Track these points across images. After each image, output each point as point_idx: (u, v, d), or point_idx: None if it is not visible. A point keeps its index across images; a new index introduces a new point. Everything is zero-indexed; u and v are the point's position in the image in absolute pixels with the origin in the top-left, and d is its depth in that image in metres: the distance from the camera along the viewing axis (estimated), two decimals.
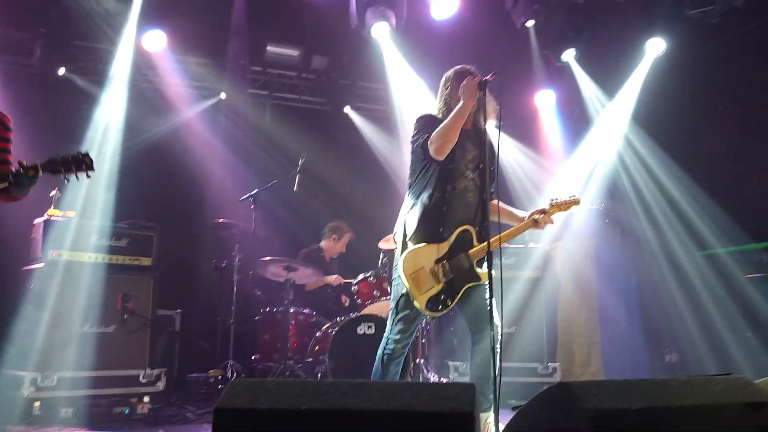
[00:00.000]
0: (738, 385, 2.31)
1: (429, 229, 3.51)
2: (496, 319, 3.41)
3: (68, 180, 3.23)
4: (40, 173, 3.14)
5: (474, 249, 3.55)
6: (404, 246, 3.55)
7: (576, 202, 3.72)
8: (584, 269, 6.66)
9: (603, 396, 2.09)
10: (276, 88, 7.80)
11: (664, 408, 2.11)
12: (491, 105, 3.60)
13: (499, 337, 3.44)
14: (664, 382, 2.25)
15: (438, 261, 3.50)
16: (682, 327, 6.54)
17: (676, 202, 6.85)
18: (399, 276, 3.48)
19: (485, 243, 3.44)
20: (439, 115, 3.66)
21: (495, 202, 3.69)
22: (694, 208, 6.62)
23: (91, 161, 3.27)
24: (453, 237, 3.53)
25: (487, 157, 3.61)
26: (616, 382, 2.20)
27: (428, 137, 3.52)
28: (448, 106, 3.63)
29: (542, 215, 3.64)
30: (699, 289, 6.36)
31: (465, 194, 3.59)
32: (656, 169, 7.09)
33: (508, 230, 3.65)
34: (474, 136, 3.70)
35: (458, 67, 3.75)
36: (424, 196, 3.54)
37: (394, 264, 3.64)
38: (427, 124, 3.60)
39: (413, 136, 3.67)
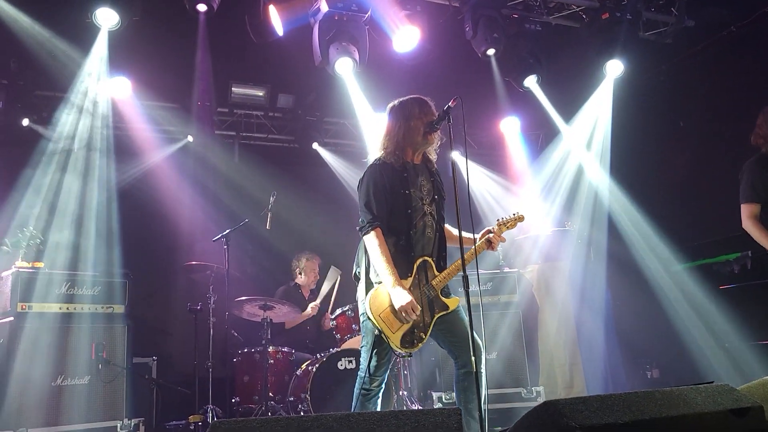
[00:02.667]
0: (721, 392, 2.33)
1: (396, 267, 3.48)
2: (478, 340, 3.42)
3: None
4: None
5: (436, 279, 3.57)
6: (368, 284, 3.53)
7: (521, 219, 3.83)
8: (560, 290, 6.71)
9: (588, 412, 2.10)
10: (243, 128, 7.81)
11: (649, 420, 2.12)
12: (435, 143, 3.68)
13: (483, 360, 3.44)
14: (648, 395, 2.26)
15: None
16: (661, 343, 6.60)
17: (644, 219, 6.97)
18: (368, 317, 3.45)
19: (446, 272, 3.57)
20: (382, 153, 3.65)
21: (447, 228, 3.76)
22: (662, 223, 6.73)
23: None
24: (414, 271, 3.53)
25: (438, 188, 3.70)
26: (601, 397, 2.21)
27: (368, 227, 3.49)
28: (397, 141, 3.62)
29: (492, 235, 3.69)
30: (675, 303, 6.43)
31: (425, 231, 3.61)
32: (622, 186, 7.23)
33: (466, 254, 3.60)
34: (425, 169, 3.74)
35: (415, 97, 3.73)
36: (389, 241, 3.52)
37: (358, 301, 3.61)
38: (369, 193, 3.55)
39: (360, 192, 3.63)
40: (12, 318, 4.77)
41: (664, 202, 6.88)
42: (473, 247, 3.66)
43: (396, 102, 3.75)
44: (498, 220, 3.80)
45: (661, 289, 6.67)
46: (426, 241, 3.60)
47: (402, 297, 3.37)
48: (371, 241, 3.47)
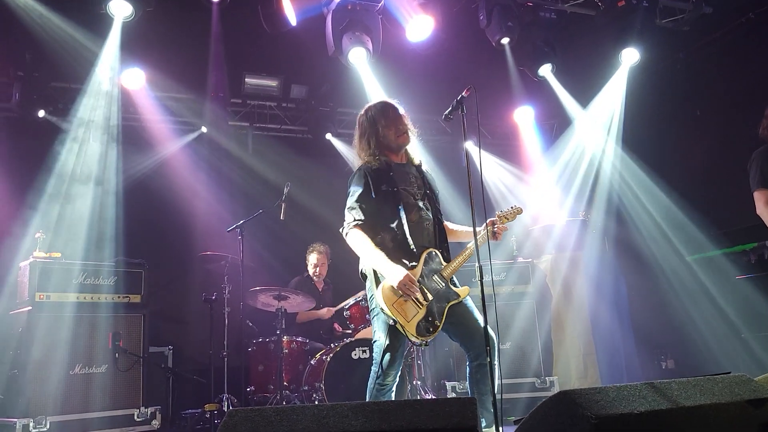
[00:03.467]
0: (738, 383, 2.32)
1: (397, 260, 3.50)
2: (491, 332, 3.41)
3: None
4: None
5: (446, 269, 3.58)
6: (376, 278, 3.53)
7: (519, 212, 3.88)
8: (573, 280, 6.68)
9: (604, 402, 2.09)
10: (257, 119, 7.82)
11: (666, 410, 2.11)
12: (410, 142, 3.73)
13: (497, 350, 3.44)
14: (665, 385, 2.25)
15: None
16: (677, 333, 6.56)
17: (660, 209, 6.91)
18: (380, 309, 3.44)
19: (456, 261, 3.59)
20: (366, 157, 3.68)
21: (447, 224, 3.81)
22: (678, 214, 6.68)
23: None
24: (421, 261, 3.54)
25: (428, 183, 3.74)
26: (616, 388, 2.20)
27: (347, 227, 3.54)
28: (373, 146, 3.66)
29: (495, 226, 3.70)
30: (691, 293, 6.38)
31: (422, 223, 3.63)
32: (638, 176, 7.17)
33: (470, 246, 3.63)
34: (410, 166, 3.78)
35: (381, 102, 3.78)
36: (386, 238, 3.55)
37: (369, 298, 3.62)
38: (352, 196, 3.60)
39: (348, 196, 3.66)
40: (30, 307, 4.82)
41: (680, 192, 6.81)
42: (476, 238, 3.67)
43: (362, 111, 3.81)
44: (498, 212, 3.83)
45: (677, 279, 6.62)
46: (425, 234, 3.63)
47: (397, 273, 3.38)
48: (353, 238, 3.53)
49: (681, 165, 6.93)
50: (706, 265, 6.30)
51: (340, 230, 3.63)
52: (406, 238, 3.55)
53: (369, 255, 3.49)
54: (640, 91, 7.02)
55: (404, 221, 3.57)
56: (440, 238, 3.69)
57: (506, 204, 7.99)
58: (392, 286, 3.44)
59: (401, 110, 3.73)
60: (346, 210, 3.63)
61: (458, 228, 3.87)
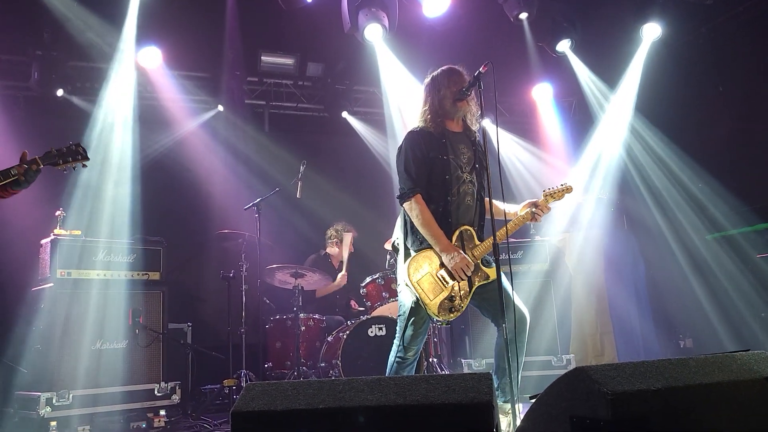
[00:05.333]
0: (757, 360, 2.29)
1: None
2: (523, 309, 3.42)
3: (66, 171, 3.38)
4: (41, 166, 3.27)
5: (478, 248, 3.53)
6: (406, 252, 3.52)
7: (569, 190, 3.70)
8: (592, 260, 6.64)
9: (621, 378, 2.07)
10: (273, 98, 7.81)
11: (683, 387, 2.09)
12: (468, 110, 3.62)
13: (526, 329, 3.46)
14: (682, 362, 2.23)
15: (442, 265, 3.46)
16: (695, 311, 6.51)
17: (681, 186, 6.82)
18: (406, 284, 3.44)
19: (488, 241, 3.49)
20: (422, 122, 3.62)
21: (487, 200, 3.68)
22: (700, 191, 6.59)
23: (85, 151, 3.42)
24: (454, 239, 3.50)
25: (479, 157, 3.63)
26: (633, 364, 2.18)
27: (409, 193, 3.48)
28: (434, 110, 3.60)
29: (536, 207, 3.61)
30: (710, 271, 6.32)
31: (464, 198, 3.58)
32: (660, 154, 7.07)
33: (509, 225, 3.57)
34: (465, 137, 3.69)
35: (446, 67, 3.69)
36: (429, 208, 3.50)
37: (397, 272, 3.61)
38: (408, 160, 3.53)
39: (399, 160, 3.61)
40: (52, 284, 4.90)
41: (701, 169, 6.71)
42: (515, 219, 3.63)
43: (429, 73, 3.73)
44: (544, 190, 3.70)
45: (696, 257, 6.55)
46: (465, 209, 3.57)
47: (455, 256, 3.38)
48: (413, 208, 3.47)
49: (702, 142, 6.81)
50: (726, 244, 6.22)
51: (397, 196, 3.57)
52: (448, 212, 3.51)
53: (428, 227, 3.43)
54: (661, 67, 6.89)
55: (448, 194, 3.52)
56: (479, 216, 3.63)
57: (523, 182, 7.97)
58: (421, 264, 3.44)
59: (465, 75, 3.62)
60: (401, 172, 3.56)
61: (499, 205, 3.73)
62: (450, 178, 3.53)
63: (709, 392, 2.11)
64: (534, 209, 3.61)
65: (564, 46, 6.48)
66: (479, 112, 3.62)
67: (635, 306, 6.71)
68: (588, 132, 7.80)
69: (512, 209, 3.70)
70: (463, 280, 3.40)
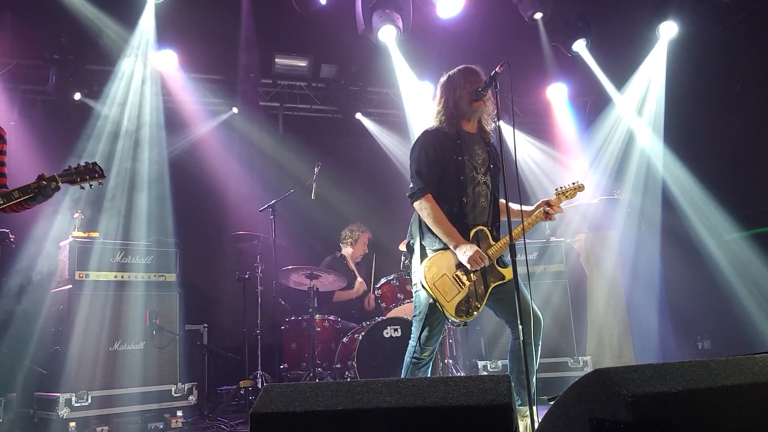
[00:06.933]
0: None
1: None
2: (537, 311, 3.41)
3: (83, 188, 3.47)
4: (60, 184, 3.36)
5: (492, 248, 3.52)
6: (423, 252, 3.52)
7: (581, 188, 3.70)
8: (608, 260, 6.58)
9: (641, 381, 2.05)
10: (287, 99, 7.84)
11: (704, 389, 2.07)
12: (485, 110, 3.61)
13: (541, 330, 3.45)
14: (703, 364, 2.20)
15: (459, 266, 3.46)
16: (713, 312, 6.44)
17: (697, 186, 6.76)
18: (422, 285, 3.44)
19: (503, 240, 3.49)
20: (437, 122, 3.61)
21: (502, 201, 3.66)
22: (717, 191, 6.52)
23: (101, 170, 3.53)
24: (469, 239, 3.49)
25: (494, 158, 3.63)
26: (653, 366, 2.16)
27: (419, 193, 3.48)
28: (449, 111, 3.59)
29: (549, 207, 3.61)
30: (728, 272, 6.25)
31: (478, 199, 3.57)
32: (674, 153, 7.00)
33: (522, 225, 3.55)
34: (480, 138, 3.68)
35: (462, 67, 3.67)
36: (444, 208, 3.49)
37: (412, 272, 3.60)
38: (420, 159, 3.52)
39: (411, 158, 3.61)
40: (70, 285, 4.95)
41: (718, 169, 6.64)
42: (529, 218, 3.61)
43: (445, 73, 3.72)
44: (556, 189, 3.69)
45: (714, 258, 6.49)
46: (480, 210, 3.57)
47: (468, 249, 3.37)
48: (423, 207, 3.47)
49: (719, 141, 6.75)
50: (744, 244, 6.15)
51: (408, 195, 3.57)
52: (464, 212, 3.51)
53: (439, 227, 3.44)
54: (677, 66, 6.83)
55: (462, 195, 3.52)
56: (494, 217, 3.63)
57: (537, 183, 7.93)
58: (438, 265, 3.43)
59: (482, 75, 3.60)
60: (413, 171, 3.56)
61: (514, 207, 3.69)
62: (465, 179, 3.53)
63: (730, 395, 2.08)
64: (547, 208, 3.61)
65: (579, 45, 6.45)
66: (495, 113, 3.60)
67: (653, 307, 6.65)
68: (603, 132, 7.74)
69: (526, 210, 3.69)
70: (477, 270, 3.38)
